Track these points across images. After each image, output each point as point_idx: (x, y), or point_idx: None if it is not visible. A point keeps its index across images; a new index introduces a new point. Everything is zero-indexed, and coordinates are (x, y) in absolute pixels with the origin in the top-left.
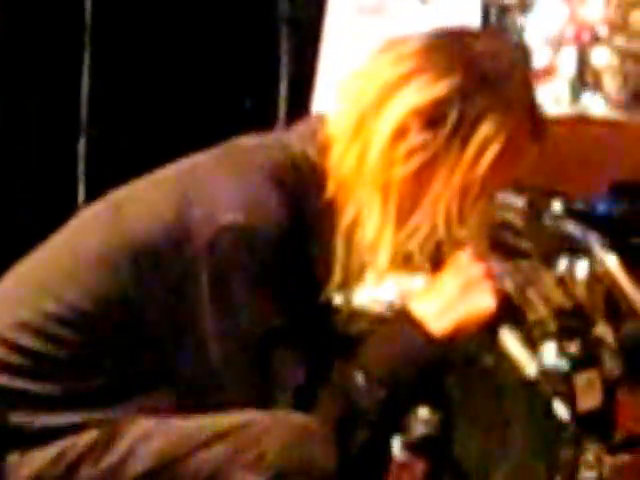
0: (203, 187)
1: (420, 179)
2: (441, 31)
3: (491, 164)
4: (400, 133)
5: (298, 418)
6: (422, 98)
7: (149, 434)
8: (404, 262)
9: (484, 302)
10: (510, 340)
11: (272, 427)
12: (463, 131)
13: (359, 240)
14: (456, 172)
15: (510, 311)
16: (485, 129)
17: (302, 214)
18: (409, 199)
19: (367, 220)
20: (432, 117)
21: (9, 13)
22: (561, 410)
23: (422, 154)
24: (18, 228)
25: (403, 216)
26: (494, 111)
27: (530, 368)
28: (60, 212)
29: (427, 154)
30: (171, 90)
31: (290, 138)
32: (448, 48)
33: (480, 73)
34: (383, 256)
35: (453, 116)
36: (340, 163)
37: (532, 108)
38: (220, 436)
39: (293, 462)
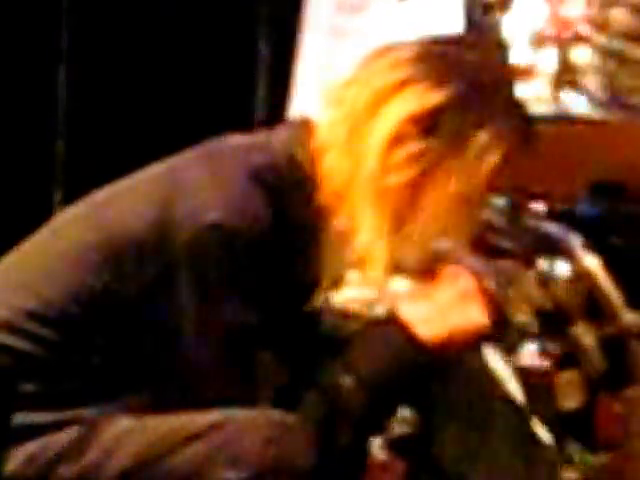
0: (185, 187)
1: (416, 187)
2: (436, 39)
3: (489, 171)
4: (395, 141)
5: (277, 415)
6: (418, 106)
7: (128, 433)
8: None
9: (478, 317)
10: (494, 361)
11: (251, 425)
12: (460, 140)
13: (352, 247)
14: (454, 181)
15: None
16: (483, 138)
17: (284, 216)
18: (404, 207)
19: (361, 228)
20: (428, 125)
21: None
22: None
23: (418, 162)
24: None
25: (398, 224)
26: (491, 119)
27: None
28: (37, 215)
29: (423, 163)
30: (149, 92)
31: (274, 140)
32: (444, 56)
33: (476, 82)
34: (377, 264)
35: (449, 125)
36: (333, 171)
37: (523, 113)
38: (199, 434)
39: (272, 460)
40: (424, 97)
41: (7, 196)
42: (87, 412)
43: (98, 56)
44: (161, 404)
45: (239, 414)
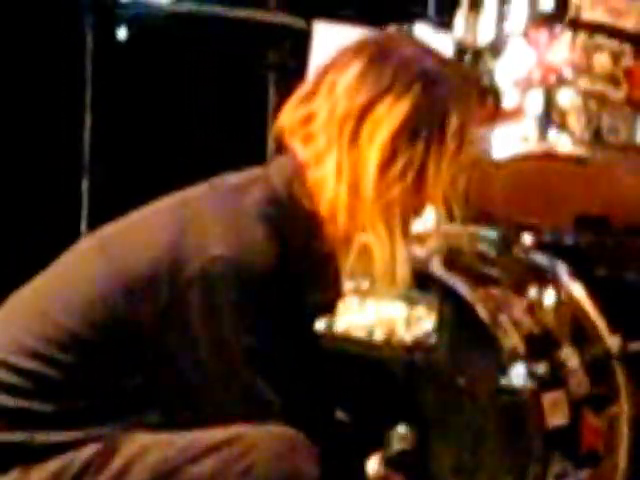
0: (196, 220)
1: (416, 187)
2: (373, 46)
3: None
4: (387, 162)
5: (285, 431)
6: (392, 124)
7: (145, 449)
8: None
9: None
10: None
11: (261, 440)
12: (437, 130)
13: (372, 263)
14: (444, 166)
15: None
16: (454, 122)
17: (288, 245)
18: (410, 209)
19: (378, 244)
20: (408, 134)
21: (9, 54)
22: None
23: (411, 167)
24: (26, 259)
25: (406, 227)
26: (454, 104)
27: None
28: (64, 244)
29: (415, 165)
30: (166, 135)
31: (272, 175)
32: (390, 62)
33: (430, 75)
34: (403, 270)
35: (423, 122)
36: (334, 206)
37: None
38: (212, 449)
39: (280, 473)
40: (394, 112)
41: (38, 227)
42: (103, 430)
43: (121, 104)
44: (173, 423)
45: (251, 430)
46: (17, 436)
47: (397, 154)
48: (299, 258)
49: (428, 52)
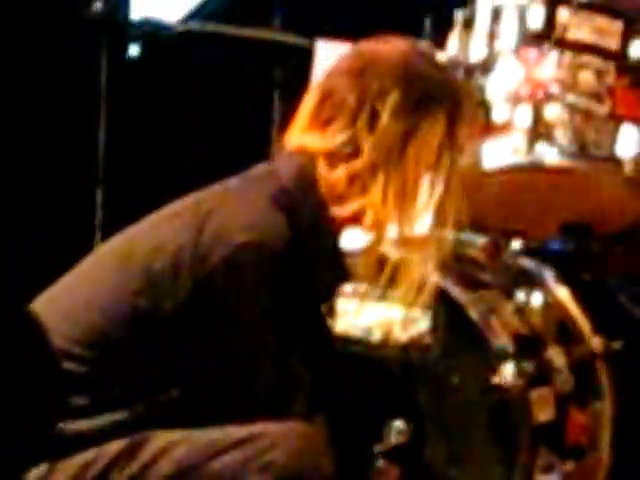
0: (214, 213)
1: (402, 158)
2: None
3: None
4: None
5: (304, 429)
6: (435, 141)
7: (170, 445)
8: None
9: None
10: None
11: (281, 437)
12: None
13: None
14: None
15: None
16: (463, 136)
17: (299, 231)
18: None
19: (374, 207)
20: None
21: (29, 71)
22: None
23: (405, 139)
24: (41, 267)
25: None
26: (465, 118)
27: None
28: (79, 253)
29: (410, 139)
30: (176, 148)
31: (281, 170)
32: (421, 83)
33: (452, 94)
34: (430, 286)
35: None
36: (381, 225)
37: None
38: (233, 445)
39: (299, 468)
40: (434, 132)
41: (54, 236)
42: (127, 415)
43: (133, 118)
44: (194, 403)
45: (271, 428)
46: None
47: (437, 171)
48: (308, 244)
49: (443, 70)
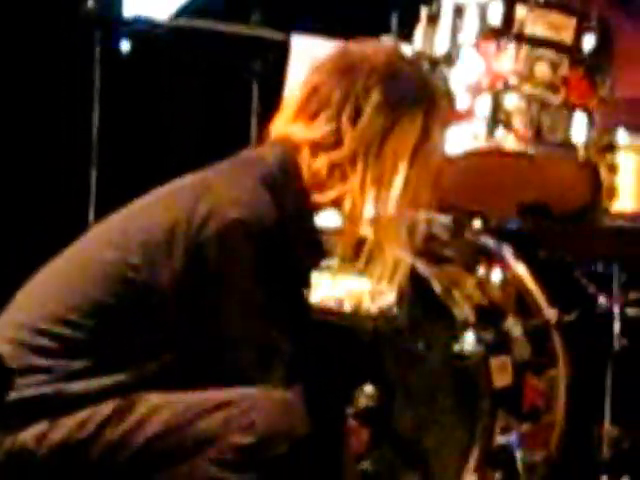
0: (207, 192)
1: (384, 144)
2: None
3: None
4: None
5: (283, 393)
6: (413, 136)
7: (160, 404)
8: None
9: None
10: None
11: (261, 400)
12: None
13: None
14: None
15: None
16: (437, 128)
17: (283, 210)
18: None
19: (352, 194)
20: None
21: (28, 65)
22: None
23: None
24: (36, 246)
25: (378, 185)
26: (439, 111)
27: None
28: (74, 230)
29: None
30: (164, 133)
31: (267, 155)
32: (402, 82)
33: (429, 92)
34: (405, 267)
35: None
36: (357, 211)
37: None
38: (218, 407)
39: (277, 429)
40: (412, 129)
41: (49, 215)
42: (122, 377)
43: (124, 106)
44: (184, 368)
45: (252, 391)
46: (46, 390)
47: (416, 163)
48: (291, 225)
49: (422, 72)
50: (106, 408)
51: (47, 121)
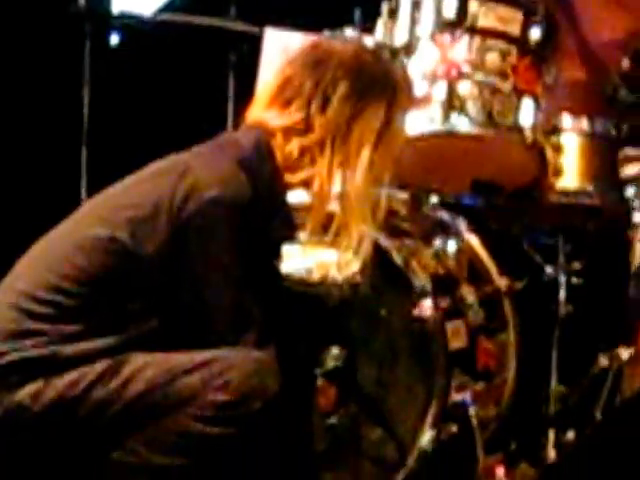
0: (188, 172)
1: (350, 129)
2: (354, 60)
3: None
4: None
5: (256, 355)
6: (377, 124)
7: (145, 365)
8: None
9: None
10: None
11: (237, 361)
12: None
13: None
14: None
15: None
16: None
17: (256, 192)
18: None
19: (321, 175)
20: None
21: (24, 57)
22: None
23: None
24: (32, 221)
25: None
26: (403, 97)
27: None
28: (65, 208)
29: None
30: (150, 117)
31: (241, 139)
32: (369, 74)
33: (392, 81)
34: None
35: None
36: (324, 192)
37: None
38: (197, 367)
39: (251, 387)
40: (377, 116)
41: (43, 193)
42: (111, 340)
43: (113, 93)
44: (167, 331)
45: (228, 353)
46: (42, 351)
47: (379, 148)
48: (265, 202)
49: (386, 64)
50: (96, 368)
51: (43, 107)
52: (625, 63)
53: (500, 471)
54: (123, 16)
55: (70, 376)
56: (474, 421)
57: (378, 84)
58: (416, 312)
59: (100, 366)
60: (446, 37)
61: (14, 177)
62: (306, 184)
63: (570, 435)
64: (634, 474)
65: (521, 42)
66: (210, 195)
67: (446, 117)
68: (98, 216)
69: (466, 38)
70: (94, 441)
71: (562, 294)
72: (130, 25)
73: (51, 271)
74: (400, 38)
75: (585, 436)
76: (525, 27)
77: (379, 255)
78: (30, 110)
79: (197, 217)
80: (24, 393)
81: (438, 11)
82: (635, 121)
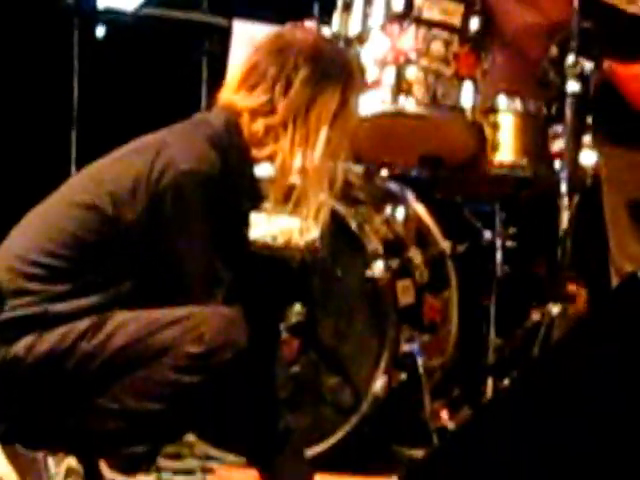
0: (165, 147)
1: (309, 112)
2: (313, 49)
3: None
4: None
5: (227, 311)
6: (333, 105)
7: (127, 320)
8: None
9: None
10: None
11: (209, 317)
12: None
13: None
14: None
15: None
16: (355, 94)
17: (226, 163)
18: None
19: (283, 152)
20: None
21: (16, 48)
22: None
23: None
24: (25, 194)
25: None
26: (357, 81)
27: None
28: (58, 181)
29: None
30: (133, 99)
31: (212, 119)
32: (326, 61)
33: (348, 68)
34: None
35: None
36: (287, 165)
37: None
38: (173, 322)
39: (223, 340)
40: (333, 99)
41: (38, 169)
42: (96, 299)
43: (100, 81)
44: (147, 290)
45: (202, 309)
46: (35, 309)
47: (335, 127)
48: (234, 175)
49: (342, 52)
50: (83, 324)
51: (36, 94)
52: (553, 50)
53: (444, 414)
54: (108, 11)
55: (60, 331)
56: (421, 369)
57: (334, 70)
58: (369, 272)
59: (86, 322)
60: (395, 28)
61: (10, 157)
62: (270, 159)
63: (507, 382)
64: (562, 409)
65: (462, 32)
66: (184, 168)
67: (395, 99)
68: (84, 188)
69: (413, 28)
70: (81, 388)
71: (499, 256)
72: (114, 19)
73: (42, 237)
74: (354, 29)
75: (517, 377)
76: (465, 18)
77: (336, 221)
78: (24, 97)
79: (172, 188)
80: (19, 346)
81: (388, 4)
82: (562, 102)
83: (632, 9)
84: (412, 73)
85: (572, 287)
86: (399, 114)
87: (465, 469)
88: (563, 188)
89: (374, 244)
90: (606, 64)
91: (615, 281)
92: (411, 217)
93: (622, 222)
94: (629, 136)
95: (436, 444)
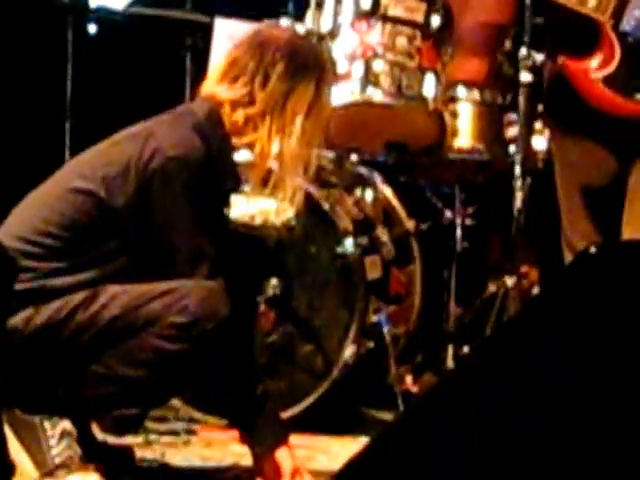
0: (152, 135)
1: (286, 103)
2: (289, 45)
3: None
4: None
5: (210, 284)
6: (308, 97)
7: (118, 293)
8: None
9: None
10: None
11: (193, 289)
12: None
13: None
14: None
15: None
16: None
17: (210, 150)
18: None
19: (262, 141)
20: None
21: (13, 44)
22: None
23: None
24: (22, 179)
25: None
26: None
27: None
28: (53, 168)
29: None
30: (123, 91)
31: (196, 109)
32: (302, 57)
33: (321, 62)
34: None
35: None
36: (266, 153)
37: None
38: (160, 295)
39: (205, 311)
40: (308, 91)
41: (33, 158)
42: (89, 275)
43: (92, 75)
44: (137, 266)
45: (186, 283)
46: (33, 284)
47: (310, 117)
48: (216, 161)
49: (316, 48)
50: (77, 297)
51: (32, 87)
52: (507, 44)
53: (408, 379)
54: (99, 10)
55: (55, 304)
56: (387, 338)
57: (309, 64)
58: (340, 249)
59: (80, 295)
60: (363, 24)
61: (6, 152)
62: (250, 146)
63: (466, 349)
64: (514, 387)
65: (424, 28)
66: (171, 154)
67: (364, 90)
68: (78, 173)
69: (379, 25)
70: (75, 356)
71: (458, 233)
72: (105, 17)
73: (40, 218)
74: (325, 26)
75: (477, 348)
76: (427, 15)
77: (310, 203)
78: (20, 89)
79: (160, 172)
80: (18, 318)
81: (356, 3)
82: (516, 91)
83: (583, 10)
84: (379, 66)
85: (524, 268)
86: (367, 104)
87: (430, 435)
88: (517, 171)
89: (345, 223)
90: (560, 59)
91: (567, 257)
92: (379, 199)
93: (574, 201)
94: (579, 124)
95: (401, 407)
